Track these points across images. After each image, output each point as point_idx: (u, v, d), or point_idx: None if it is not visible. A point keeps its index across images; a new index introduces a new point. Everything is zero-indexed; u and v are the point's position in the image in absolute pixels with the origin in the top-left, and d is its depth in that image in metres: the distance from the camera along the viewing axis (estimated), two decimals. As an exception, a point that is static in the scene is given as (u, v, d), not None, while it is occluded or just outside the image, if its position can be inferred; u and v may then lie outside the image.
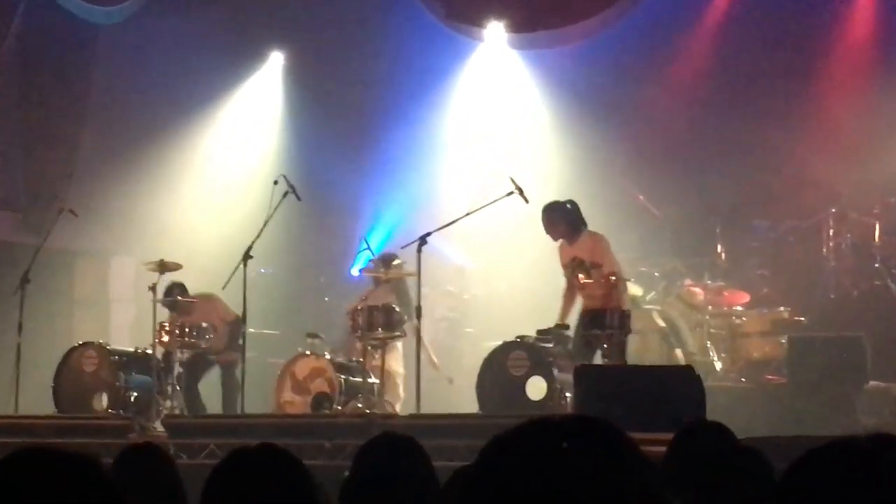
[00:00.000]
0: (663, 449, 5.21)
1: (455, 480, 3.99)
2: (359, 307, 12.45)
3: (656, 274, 15.79)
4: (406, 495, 4.03)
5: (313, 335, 13.72)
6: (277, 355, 14.48)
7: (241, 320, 12.78)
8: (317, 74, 18.40)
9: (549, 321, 12.69)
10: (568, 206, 12.46)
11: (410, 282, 12.72)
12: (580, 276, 12.11)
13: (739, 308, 15.31)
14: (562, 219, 12.37)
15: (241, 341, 12.81)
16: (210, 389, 13.93)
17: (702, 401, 9.62)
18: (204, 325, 13.15)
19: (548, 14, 17.23)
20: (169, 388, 13.07)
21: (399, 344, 13.29)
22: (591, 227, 15.39)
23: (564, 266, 12.44)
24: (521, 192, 12.25)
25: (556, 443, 1.93)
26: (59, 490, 2.18)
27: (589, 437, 1.95)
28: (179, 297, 13.44)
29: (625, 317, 11.79)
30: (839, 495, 2.09)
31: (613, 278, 11.95)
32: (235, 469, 3.35)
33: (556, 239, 12.48)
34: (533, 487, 1.88)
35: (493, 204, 12.46)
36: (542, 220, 12.44)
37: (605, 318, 11.82)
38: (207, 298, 13.65)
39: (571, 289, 12.46)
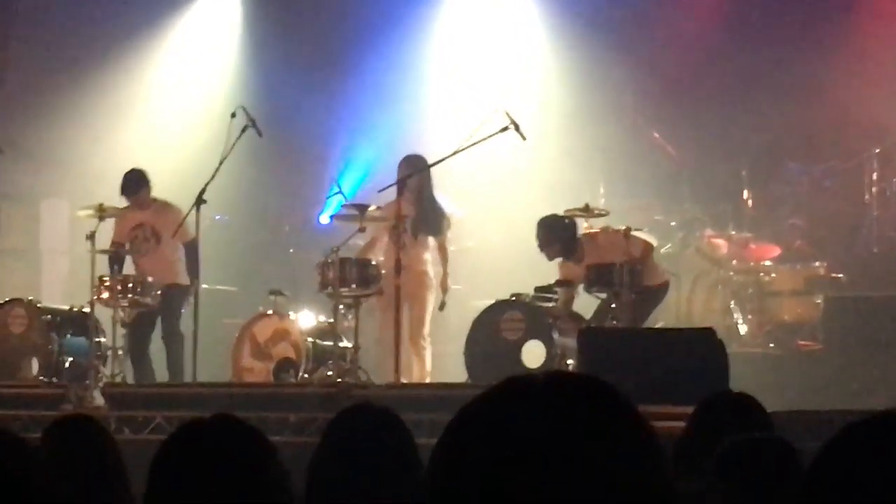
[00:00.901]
0: (681, 424, 5.22)
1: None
2: (329, 259, 12.40)
3: (673, 223, 15.81)
4: (383, 475, 4.03)
5: (276, 292, 13.70)
6: (235, 315, 14.50)
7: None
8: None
9: (549, 277, 12.71)
10: (566, 221, 12.59)
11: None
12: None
13: (768, 263, 15.34)
14: (557, 238, 12.48)
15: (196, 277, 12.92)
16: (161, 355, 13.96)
17: (725, 369, 9.65)
18: (150, 279, 13.10)
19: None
20: (110, 353, 13.04)
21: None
22: (597, 170, 15.40)
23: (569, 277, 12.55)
24: (517, 127, 12.20)
25: (535, 407, 1.86)
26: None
27: (578, 402, 1.88)
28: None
29: (635, 273, 11.81)
30: (882, 475, 2.09)
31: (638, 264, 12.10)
32: (187, 444, 3.34)
33: (550, 259, 12.59)
34: (506, 462, 1.83)
35: (485, 141, 12.37)
36: (537, 236, 12.55)
37: (613, 274, 11.85)
38: (165, 205, 13.58)
39: None
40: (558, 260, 12.60)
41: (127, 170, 13.58)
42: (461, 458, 1.88)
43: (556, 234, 12.46)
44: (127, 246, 13.42)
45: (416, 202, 12.83)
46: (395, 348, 12.08)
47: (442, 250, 12.99)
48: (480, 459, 1.85)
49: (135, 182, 13.47)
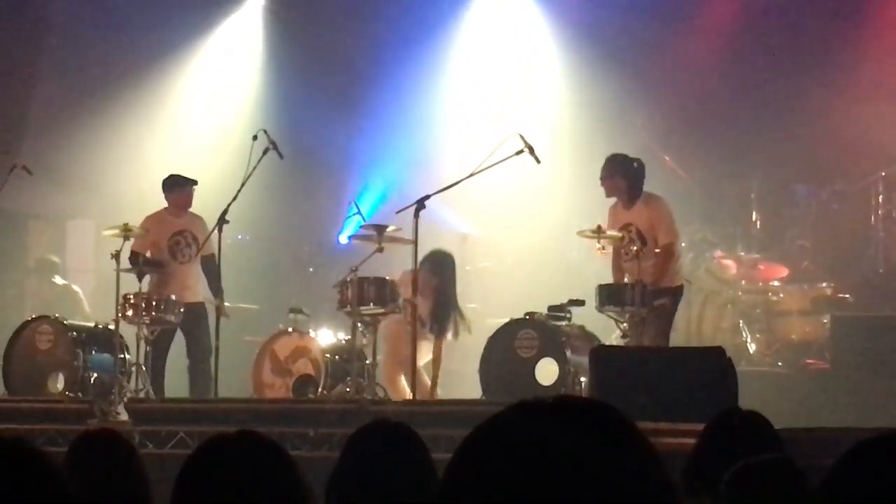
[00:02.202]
0: (691, 441, 5.21)
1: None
2: (348, 279, 12.40)
3: (683, 244, 15.75)
4: (401, 489, 4.02)
5: (296, 310, 13.71)
6: (256, 332, 14.48)
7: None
8: (301, 16, 18.34)
9: (562, 296, 12.69)
10: (635, 164, 12.35)
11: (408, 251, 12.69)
12: (633, 248, 12.02)
13: (776, 283, 15.32)
14: (624, 174, 12.21)
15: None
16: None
17: (734, 387, 9.62)
18: (173, 297, 13.11)
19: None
20: (134, 369, 13.04)
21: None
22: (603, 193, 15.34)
23: (613, 229, 12.29)
24: (531, 150, 12.20)
25: (545, 431, 1.90)
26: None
27: (585, 423, 1.92)
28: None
29: (651, 292, 11.75)
30: (892, 493, 2.08)
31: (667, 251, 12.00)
32: (213, 459, 3.34)
33: (609, 195, 12.32)
34: (514, 481, 1.86)
35: (500, 164, 12.38)
36: (602, 171, 12.30)
37: (625, 294, 11.82)
38: (196, 216, 13.60)
39: (618, 257, 12.40)
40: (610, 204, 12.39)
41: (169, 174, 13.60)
42: (475, 476, 1.91)
43: (624, 168, 12.23)
44: (165, 253, 13.38)
45: (434, 300, 12.97)
46: (411, 366, 12.09)
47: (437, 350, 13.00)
48: (493, 477, 1.88)
49: (184, 179, 13.51)
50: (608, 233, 12.62)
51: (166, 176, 13.69)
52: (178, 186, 13.52)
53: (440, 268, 13.02)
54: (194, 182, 13.58)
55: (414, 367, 12.11)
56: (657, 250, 12.02)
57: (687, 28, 16.96)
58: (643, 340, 11.71)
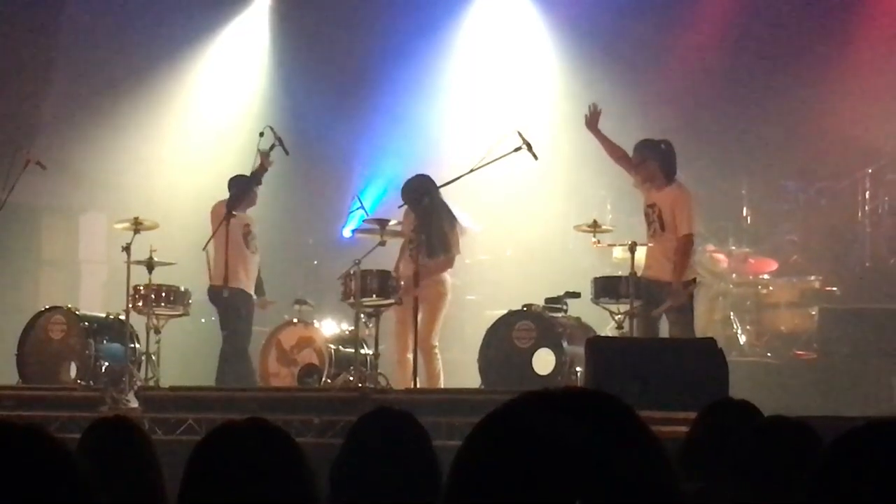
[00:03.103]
0: (684, 429, 5.21)
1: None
2: (352, 271, 12.38)
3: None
4: (403, 475, 4.02)
5: (301, 301, 13.72)
6: (262, 323, 14.47)
7: (224, 283, 12.83)
8: (307, 16, 18.33)
9: (559, 288, 12.69)
10: (662, 146, 12.01)
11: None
12: (651, 229, 11.86)
13: (766, 276, 15.33)
14: (654, 156, 11.87)
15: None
16: (199, 359, 13.98)
17: (725, 377, 9.62)
18: (183, 288, 13.12)
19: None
20: (143, 358, 13.04)
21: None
22: (605, 188, 15.29)
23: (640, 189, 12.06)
24: (529, 147, 12.21)
25: (553, 419, 1.91)
26: (4, 465, 2.16)
27: (591, 412, 1.94)
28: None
29: (640, 285, 11.71)
30: (879, 481, 2.08)
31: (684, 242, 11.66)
32: (222, 446, 3.34)
33: (646, 180, 11.90)
34: (525, 467, 1.87)
35: (500, 160, 12.38)
36: (633, 158, 11.94)
37: (619, 287, 11.81)
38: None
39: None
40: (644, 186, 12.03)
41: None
42: (485, 465, 1.92)
43: (654, 152, 11.88)
44: (248, 245, 13.42)
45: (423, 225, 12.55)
46: (413, 355, 12.09)
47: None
48: (503, 465, 1.89)
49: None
50: (604, 227, 12.64)
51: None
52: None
53: (414, 204, 12.69)
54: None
55: (415, 354, 12.10)
56: (671, 242, 11.70)
57: (680, 29, 16.95)
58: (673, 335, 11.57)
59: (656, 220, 11.79)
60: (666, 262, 11.67)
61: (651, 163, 11.87)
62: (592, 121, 12.35)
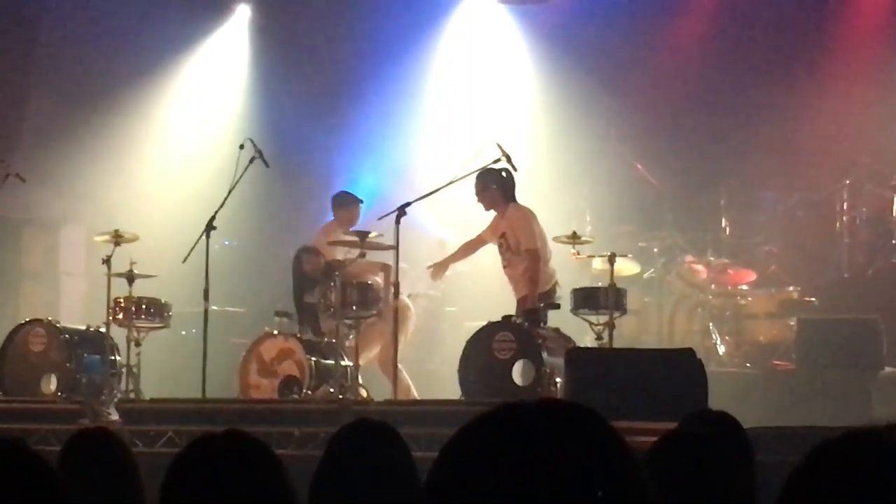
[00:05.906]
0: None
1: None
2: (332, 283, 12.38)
3: (655, 250, 15.80)
4: (383, 487, 4.02)
5: (282, 313, 13.68)
6: (242, 335, 14.46)
7: (205, 296, 12.78)
8: (286, 29, 18.33)
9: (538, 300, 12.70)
10: (503, 173, 12.48)
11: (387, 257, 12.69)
12: (505, 259, 12.39)
13: (745, 287, 15.36)
14: (495, 183, 12.43)
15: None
16: (179, 372, 13.94)
17: (704, 387, 9.64)
18: (164, 301, 13.10)
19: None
20: (124, 371, 13.02)
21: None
22: (584, 199, 15.35)
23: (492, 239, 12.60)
24: (508, 158, 12.25)
25: (527, 431, 1.92)
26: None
27: (565, 424, 1.94)
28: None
29: (620, 295, 11.77)
30: (861, 490, 2.09)
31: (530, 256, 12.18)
32: (200, 457, 3.34)
33: (489, 208, 12.57)
34: (500, 479, 1.88)
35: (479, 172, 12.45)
36: (475, 188, 12.50)
37: (598, 297, 11.88)
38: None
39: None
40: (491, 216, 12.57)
41: None
42: (461, 476, 1.92)
43: (497, 177, 12.40)
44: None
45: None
46: (392, 368, 12.10)
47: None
48: (479, 476, 1.90)
49: (352, 197, 13.84)
50: (583, 239, 12.68)
51: (337, 192, 13.86)
52: (346, 204, 13.59)
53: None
54: (360, 201, 13.67)
55: (395, 366, 12.11)
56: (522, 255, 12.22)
57: (658, 40, 16.99)
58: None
59: (507, 250, 12.37)
60: (529, 282, 12.21)
61: (492, 189, 12.42)
62: (438, 273, 13.23)
